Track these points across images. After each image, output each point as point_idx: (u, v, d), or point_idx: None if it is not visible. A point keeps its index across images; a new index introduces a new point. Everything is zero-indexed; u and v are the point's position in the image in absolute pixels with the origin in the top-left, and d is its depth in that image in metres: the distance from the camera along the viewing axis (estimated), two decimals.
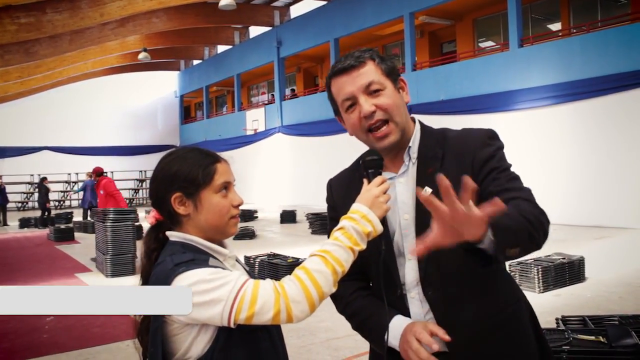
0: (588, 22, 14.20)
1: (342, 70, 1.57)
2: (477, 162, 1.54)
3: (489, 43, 18.52)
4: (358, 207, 1.45)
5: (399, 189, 1.61)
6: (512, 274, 6.59)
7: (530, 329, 1.63)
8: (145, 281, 1.49)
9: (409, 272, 1.59)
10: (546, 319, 5.08)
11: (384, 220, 1.56)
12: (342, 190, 1.73)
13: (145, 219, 1.55)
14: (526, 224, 1.37)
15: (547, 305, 5.86)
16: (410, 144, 1.61)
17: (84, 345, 5.21)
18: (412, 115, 1.70)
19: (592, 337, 3.55)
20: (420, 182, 1.56)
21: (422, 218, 1.53)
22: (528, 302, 1.69)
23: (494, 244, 1.29)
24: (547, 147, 12.98)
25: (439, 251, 1.45)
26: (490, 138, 1.60)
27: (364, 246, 1.42)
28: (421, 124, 1.69)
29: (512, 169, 1.58)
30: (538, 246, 1.44)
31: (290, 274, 1.36)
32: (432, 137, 1.63)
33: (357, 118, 1.56)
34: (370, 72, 1.55)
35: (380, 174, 1.53)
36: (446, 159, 1.57)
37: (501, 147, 1.60)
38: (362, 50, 1.59)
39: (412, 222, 1.57)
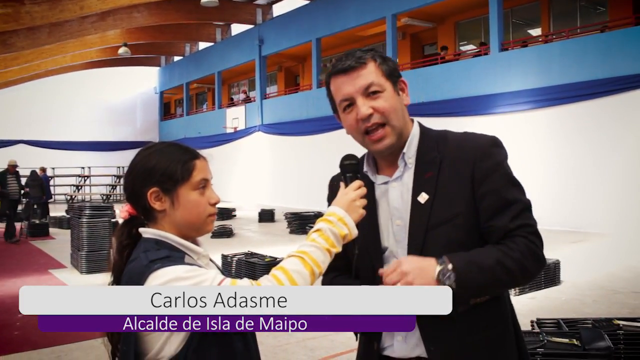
0: (567, 28, 14.38)
1: (342, 70, 1.53)
2: (478, 174, 1.50)
3: (470, 46, 18.65)
4: (334, 210, 1.45)
5: (391, 194, 1.58)
6: None
7: (515, 347, 1.58)
8: (118, 279, 1.44)
9: None
10: (521, 321, 5.10)
11: (374, 225, 1.57)
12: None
13: (119, 213, 1.49)
14: (501, 274, 1.41)
15: (523, 308, 5.91)
16: (405, 149, 1.57)
17: (57, 342, 5.12)
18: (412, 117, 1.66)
19: (566, 340, 3.59)
20: (417, 187, 1.54)
21: (415, 225, 1.52)
22: (517, 323, 1.63)
23: (455, 295, 1.32)
24: (525, 151, 13.10)
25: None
26: (493, 146, 1.54)
27: (339, 249, 1.42)
28: (420, 125, 1.64)
29: (519, 187, 1.52)
30: (518, 286, 1.51)
31: (267, 273, 1.35)
32: (431, 140, 1.59)
33: (354, 119, 1.53)
34: (370, 74, 1.51)
35: (357, 177, 1.52)
36: (444, 164, 1.53)
37: (505, 157, 1.55)
38: (363, 50, 1.55)
39: (405, 227, 1.54)
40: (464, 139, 1.58)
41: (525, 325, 4.65)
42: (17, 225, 13.17)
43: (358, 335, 1.68)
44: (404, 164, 1.57)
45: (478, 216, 1.50)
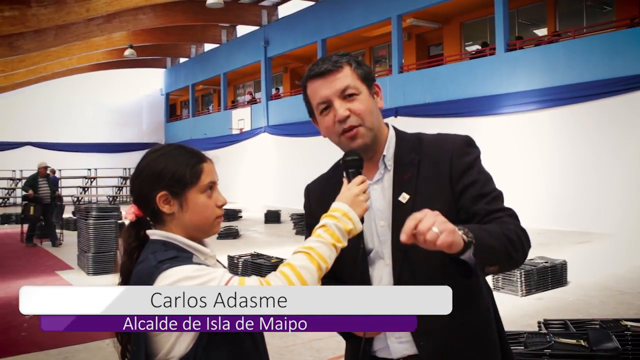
0: (573, 28, 14.33)
1: (318, 74, 1.57)
2: (455, 171, 1.56)
3: (476, 46, 18.60)
4: (339, 205, 1.46)
5: (373, 196, 1.61)
6: (495, 277, 6.63)
7: (496, 336, 1.64)
8: (126, 280, 1.45)
9: (385, 276, 1.60)
10: (528, 322, 5.13)
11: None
12: (318, 195, 1.73)
13: (126, 215, 1.50)
14: (507, 244, 1.42)
15: (530, 309, 5.90)
16: (385, 152, 1.62)
17: (63, 343, 5.13)
18: (391, 118, 1.69)
19: (574, 341, 3.58)
20: (397, 188, 1.58)
21: (397, 224, 1.54)
22: (496, 307, 1.70)
23: (475, 261, 1.34)
24: (532, 151, 13.07)
25: (413, 257, 1.54)
26: (468, 145, 1.61)
27: (345, 243, 1.43)
28: (395, 129, 1.69)
29: (493, 181, 1.59)
30: (516, 265, 1.51)
31: (275, 271, 1.35)
32: (407, 143, 1.65)
33: (332, 121, 1.57)
34: (346, 77, 1.56)
35: (360, 173, 1.53)
36: (422, 164, 1.59)
37: (479, 155, 1.62)
38: (339, 54, 1.61)
39: (389, 228, 1.58)
40: (439, 139, 1.65)
41: (532, 326, 4.64)
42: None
43: (346, 339, 1.72)
44: (383, 166, 1.62)
45: (457, 212, 1.55)
